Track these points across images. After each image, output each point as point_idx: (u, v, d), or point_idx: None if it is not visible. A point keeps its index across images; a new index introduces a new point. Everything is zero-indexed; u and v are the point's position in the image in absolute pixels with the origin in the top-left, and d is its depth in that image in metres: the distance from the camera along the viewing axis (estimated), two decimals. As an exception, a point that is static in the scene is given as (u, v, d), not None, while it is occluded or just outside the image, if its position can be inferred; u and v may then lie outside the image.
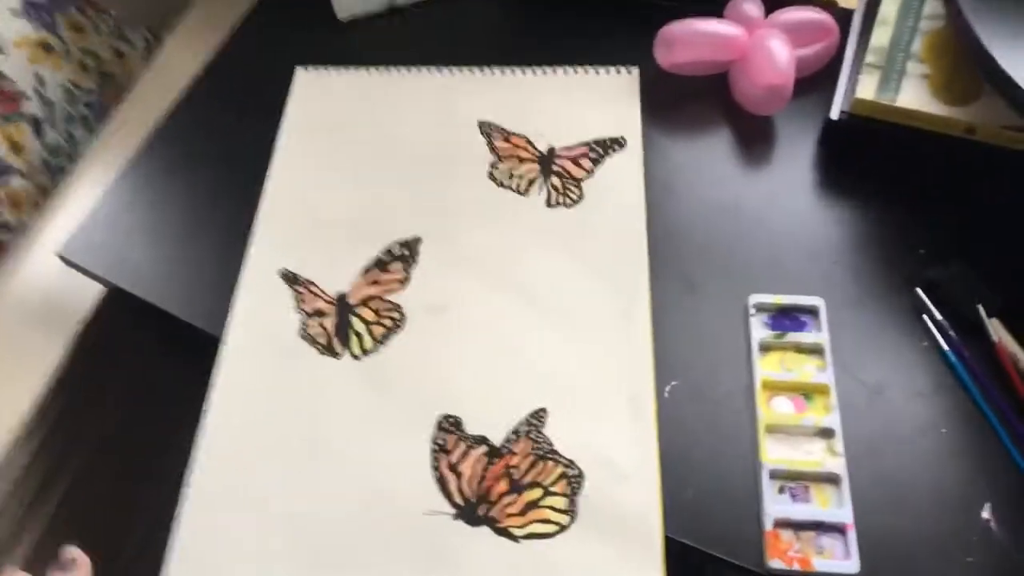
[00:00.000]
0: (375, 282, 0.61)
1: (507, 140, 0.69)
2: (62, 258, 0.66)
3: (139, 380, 0.74)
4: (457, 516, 0.52)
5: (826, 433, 0.53)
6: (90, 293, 0.68)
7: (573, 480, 0.52)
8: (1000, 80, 0.55)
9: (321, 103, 0.72)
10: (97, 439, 0.70)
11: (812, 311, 0.58)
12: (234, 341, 0.59)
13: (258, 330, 0.59)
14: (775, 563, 0.49)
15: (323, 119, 0.71)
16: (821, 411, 0.54)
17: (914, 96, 0.61)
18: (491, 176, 0.66)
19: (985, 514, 0.50)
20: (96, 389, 0.69)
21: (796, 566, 0.49)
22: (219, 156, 0.71)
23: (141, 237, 0.66)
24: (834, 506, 0.51)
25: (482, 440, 0.54)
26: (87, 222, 0.67)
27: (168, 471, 0.79)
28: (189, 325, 0.62)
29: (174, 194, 0.69)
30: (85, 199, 0.72)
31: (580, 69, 0.72)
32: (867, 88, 0.62)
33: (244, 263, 0.62)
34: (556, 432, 0.54)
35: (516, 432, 0.54)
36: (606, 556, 0.50)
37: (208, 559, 0.52)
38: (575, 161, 0.67)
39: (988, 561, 0.49)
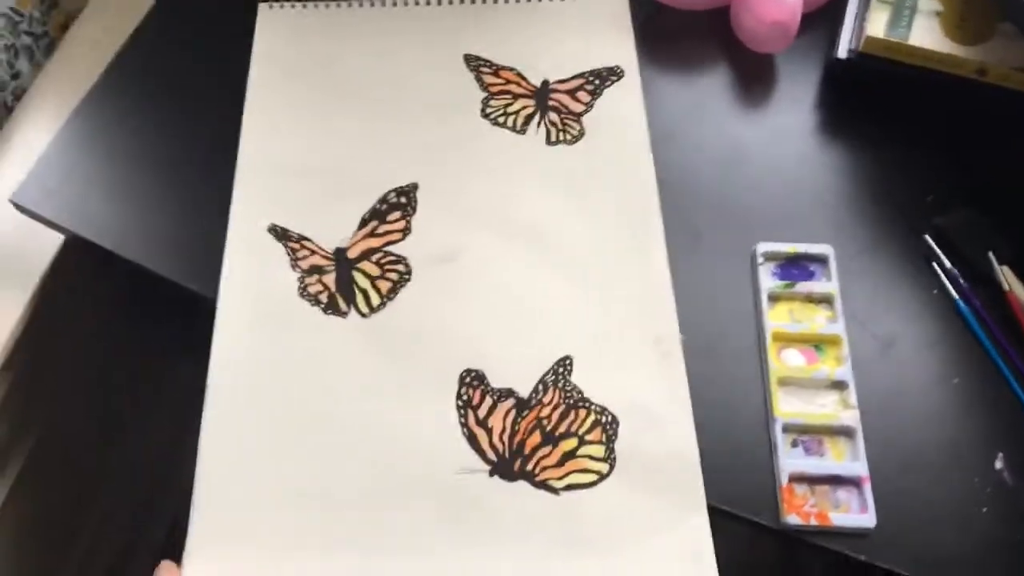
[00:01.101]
0: (374, 233, 0.57)
1: (497, 74, 0.65)
2: (16, 205, 0.60)
3: (104, 333, 0.70)
4: (492, 472, 0.49)
5: (839, 385, 0.52)
6: (46, 242, 0.63)
7: (608, 427, 0.51)
8: (1019, 14, 0.53)
9: (289, 43, 0.66)
10: (61, 394, 0.66)
11: (821, 259, 0.56)
12: (228, 303, 0.55)
13: (253, 291, 0.55)
14: (792, 518, 0.48)
15: (293, 61, 0.65)
16: (833, 363, 0.53)
17: (925, 34, 0.59)
18: (484, 114, 0.62)
19: (998, 464, 0.50)
20: (60, 342, 0.65)
21: (813, 521, 0.48)
22: (182, 93, 0.65)
23: (102, 181, 0.61)
24: (849, 459, 0.50)
25: (509, 393, 0.52)
26: (41, 165, 0.61)
27: (136, 428, 0.76)
28: (156, 276, 0.57)
29: (136, 134, 0.63)
30: (34, 140, 0.66)
31: (567, -4, 0.68)
32: (877, 25, 0.60)
33: (229, 220, 0.57)
34: (584, 380, 0.52)
35: (543, 382, 0.52)
36: (649, 501, 0.48)
37: (229, 537, 0.48)
38: (571, 94, 0.63)
39: (1003, 511, 0.49)
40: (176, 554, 0.46)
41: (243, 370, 0.53)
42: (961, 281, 0.55)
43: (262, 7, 0.68)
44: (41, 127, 0.68)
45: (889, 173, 0.60)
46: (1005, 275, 0.55)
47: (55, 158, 0.62)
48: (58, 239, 0.62)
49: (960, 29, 0.59)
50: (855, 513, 0.49)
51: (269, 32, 0.67)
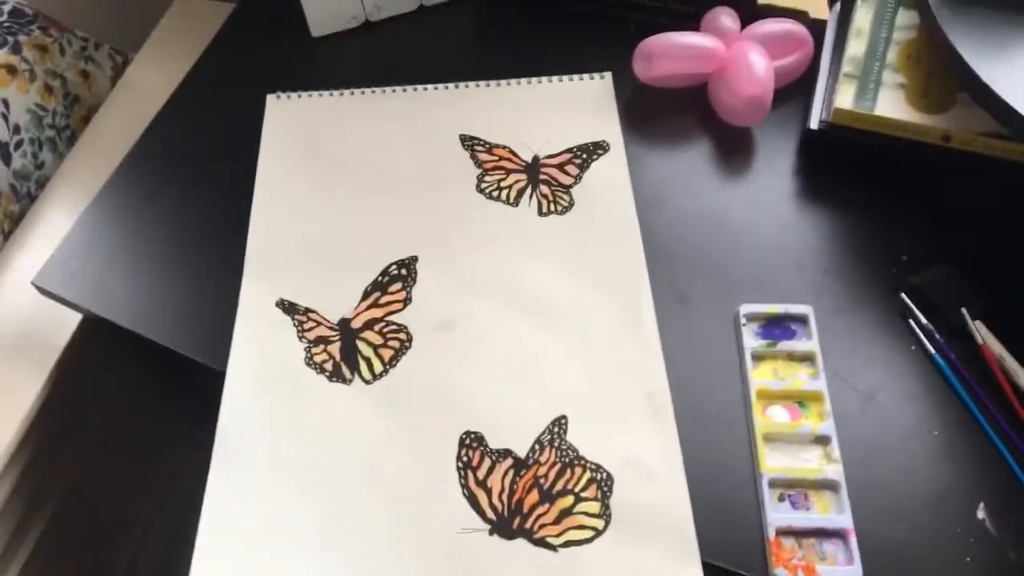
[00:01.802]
0: (376, 304, 0.61)
1: (490, 152, 0.69)
2: (38, 287, 0.64)
3: (120, 410, 0.73)
4: (492, 531, 0.51)
5: (822, 440, 0.54)
6: (66, 323, 0.66)
7: (603, 483, 0.53)
8: (977, 88, 0.56)
9: (296, 129, 0.71)
10: (78, 470, 0.68)
11: (802, 319, 0.59)
12: (237, 374, 0.58)
13: (261, 361, 0.58)
14: (780, 572, 0.49)
15: (300, 145, 0.70)
16: (816, 418, 0.55)
17: (891, 105, 0.63)
18: (479, 189, 0.66)
19: (980, 514, 0.51)
20: (77, 419, 0.68)
21: (801, 574, 0.49)
22: (196, 179, 0.69)
23: (120, 264, 0.64)
24: (834, 512, 0.52)
25: (507, 453, 0.54)
26: (62, 249, 0.65)
27: (148, 503, 0.78)
28: (170, 354, 0.60)
29: (152, 219, 0.67)
30: (56, 226, 0.70)
31: (554, 78, 0.73)
32: (845, 98, 0.64)
33: (240, 296, 0.61)
34: (579, 438, 0.54)
35: (539, 442, 0.54)
36: (645, 555, 0.50)
37: None
38: (561, 168, 0.67)
39: (986, 560, 0.50)
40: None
41: (248, 435, 0.55)
42: (937, 336, 0.57)
43: (270, 97, 0.73)
44: (63, 213, 0.72)
45: (864, 235, 0.63)
46: (979, 329, 0.57)
47: (76, 241, 0.66)
48: (76, 317, 0.65)
49: (924, 99, 0.63)
50: (842, 565, 0.50)
51: (276, 119, 0.71)
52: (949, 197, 0.64)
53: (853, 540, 0.50)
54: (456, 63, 0.75)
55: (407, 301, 0.61)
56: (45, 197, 0.74)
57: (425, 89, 0.73)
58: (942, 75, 0.63)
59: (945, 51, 0.59)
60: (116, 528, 0.74)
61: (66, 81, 0.79)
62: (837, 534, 0.51)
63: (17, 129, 0.74)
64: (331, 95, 0.73)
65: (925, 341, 0.57)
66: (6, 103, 0.72)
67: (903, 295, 0.59)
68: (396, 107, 0.72)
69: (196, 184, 0.69)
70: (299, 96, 0.73)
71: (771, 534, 0.51)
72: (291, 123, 0.71)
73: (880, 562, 0.50)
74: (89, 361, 0.67)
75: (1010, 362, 0.56)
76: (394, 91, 0.73)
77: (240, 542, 0.52)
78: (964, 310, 0.58)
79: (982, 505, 0.52)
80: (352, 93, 0.73)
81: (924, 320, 0.58)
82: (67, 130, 0.79)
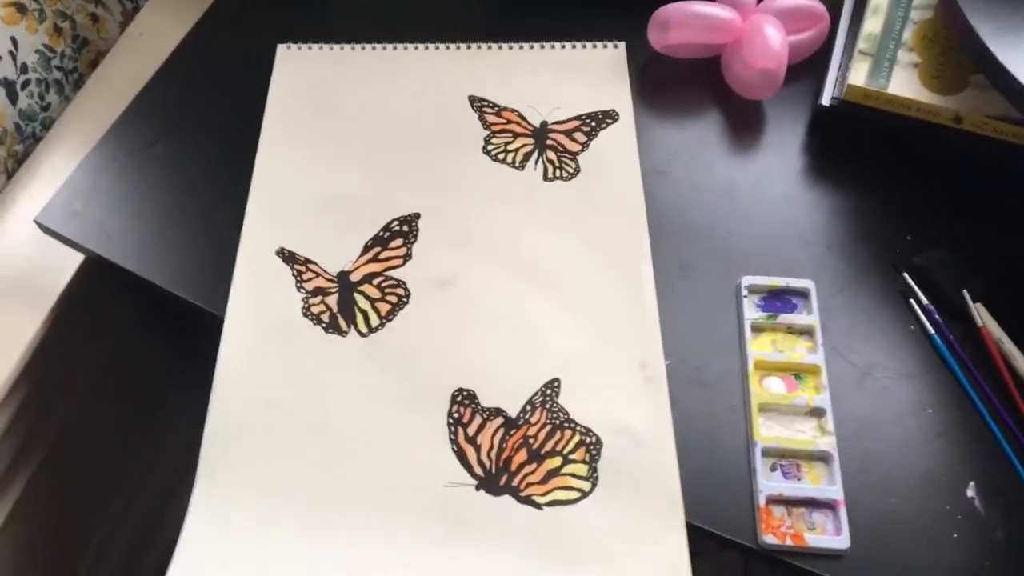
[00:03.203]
0: (376, 259, 0.60)
1: (499, 115, 0.68)
2: (40, 225, 0.63)
3: (119, 352, 0.73)
4: (479, 487, 0.52)
5: (817, 412, 0.54)
6: (67, 264, 0.66)
7: (591, 447, 0.53)
8: (993, 69, 0.56)
9: (305, 81, 0.70)
10: (75, 412, 0.68)
11: (803, 293, 0.59)
12: (235, 321, 0.58)
13: (259, 310, 0.58)
14: (768, 538, 0.50)
15: (308, 97, 0.69)
16: (812, 391, 0.55)
17: (904, 84, 0.62)
18: (485, 151, 0.66)
19: (970, 492, 0.52)
20: (75, 357, 0.67)
21: (789, 541, 0.50)
22: (202, 127, 0.69)
23: (123, 207, 0.64)
24: (825, 483, 0.52)
25: (498, 412, 0.54)
26: (65, 189, 0.65)
27: (146, 446, 0.78)
28: (172, 298, 0.60)
29: (156, 165, 0.67)
30: (60, 168, 0.70)
31: (568, 44, 0.72)
32: (859, 75, 0.63)
33: (240, 243, 0.61)
34: (570, 401, 0.55)
35: (531, 403, 0.54)
36: (629, 519, 0.50)
37: (220, 544, 0.50)
38: (569, 135, 0.67)
39: (973, 537, 0.50)
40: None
41: (245, 382, 0.55)
42: (937, 316, 0.57)
43: (280, 47, 0.72)
44: (67, 155, 0.72)
45: (870, 214, 0.63)
46: (979, 311, 0.57)
47: (80, 183, 0.66)
48: (77, 258, 0.65)
49: (937, 80, 0.62)
50: (830, 535, 0.50)
51: (285, 70, 0.71)
52: (957, 179, 0.64)
53: (843, 511, 0.50)
54: (470, 23, 0.75)
55: (407, 257, 0.61)
56: (50, 139, 0.74)
57: (437, 48, 0.72)
58: (956, 56, 0.63)
59: (963, 31, 0.58)
60: (111, 473, 0.74)
61: (75, 23, 0.78)
62: (827, 505, 0.51)
63: (25, 68, 0.73)
64: (342, 48, 0.72)
65: (925, 321, 0.57)
66: (15, 41, 0.72)
67: (905, 274, 0.59)
68: (407, 64, 0.71)
69: (202, 132, 0.69)
70: (309, 48, 0.72)
71: (762, 502, 0.51)
72: (300, 75, 0.71)
73: (868, 534, 0.50)
74: (89, 303, 0.67)
75: (1008, 345, 0.56)
76: (405, 48, 0.72)
77: (234, 488, 0.52)
78: (965, 292, 0.58)
79: (972, 484, 0.52)
80: (363, 48, 0.72)
81: (925, 300, 0.58)
82: (74, 73, 0.79)
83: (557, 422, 0.54)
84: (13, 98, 0.73)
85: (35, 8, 0.74)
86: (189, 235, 0.63)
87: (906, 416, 0.54)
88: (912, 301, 0.58)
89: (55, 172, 0.70)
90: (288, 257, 0.60)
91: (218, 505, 0.51)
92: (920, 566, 0.49)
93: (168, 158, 0.67)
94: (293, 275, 0.60)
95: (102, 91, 0.77)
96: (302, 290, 0.59)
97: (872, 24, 0.65)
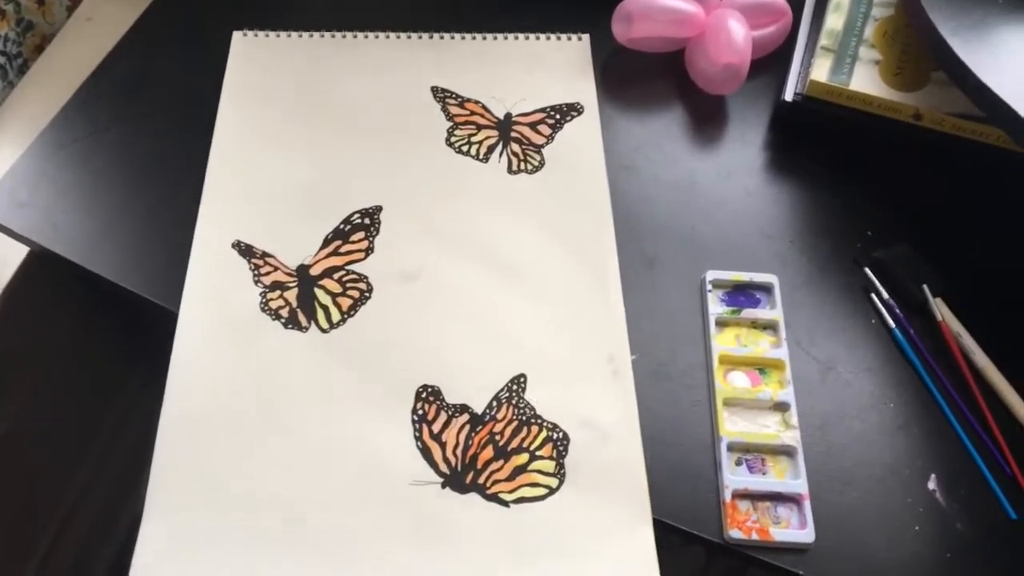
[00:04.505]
0: (336, 252, 0.59)
1: (462, 106, 0.67)
2: (-18, 216, 0.61)
3: (67, 350, 0.70)
4: (445, 484, 0.51)
5: (781, 407, 0.54)
6: (11, 257, 0.63)
7: (559, 443, 0.52)
8: (952, 65, 0.57)
9: (262, 69, 0.68)
10: (20, 412, 0.66)
11: (767, 288, 0.59)
12: (190, 317, 0.56)
13: (215, 305, 0.56)
14: (735, 533, 0.50)
15: (265, 86, 0.67)
16: (776, 385, 0.55)
17: (866, 80, 0.63)
18: (448, 143, 0.65)
19: (931, 485, 0.52)
20: (23, 352, 0.65)
21: (755, 536, 0.50)
22: (154, 114, 0.67)
23: (71, 198, 0.62)
24: (790, 477, 0.52)
25: (463, 408, 0.53)
26: (9, 178, 0.63)
27: (95, 448, 0.76)
28: (123, 292, 0.58)
29: (105, 154, 0.64)
30: (4, 156, 0.67)
31: (532, 36, 0.71)
32: (821, 71, 0.64)
33: (195, 235, 0.59)
34: (537, 397, 0.54)
35: (497, 399, 0.54)
36: (597, 515, 0.50)
37: (179, 547, 0.48)
38: (533, 127, 0.66)
39: (934, 530, 0.51)
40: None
41: (201, 380, 0.53)
42: (897, 311, 0.58)
43: (236, 34, 0.70)
44: (11, 143, 0.69)
45: (831, 209, 0.63)
46: (938, 306, 0.58)
47: (25, 172, 0.63)
48: (22, 251, 0.62)
49: (897, 76, 0.63)
50: (795, 529, 0.50)
51: (241, 57, 0.69)
52: (917, 175, 0.65)
53: (807, 505, 0.51)
54: (433, 13, 0.73)
55: (369, 251, 0.59)
56: (-8, 126, 0.71)
57: (399, 37, 0.71)
58: (916, 53, 0.64)
59: (923, 27, 0.59)
60: (59, 473, 0.71)
61: (20, 6, 0.75)
62: (792, 499, 0.51)
63: (-36, 53, 0.70)
64: (300, 36, 0.70)
65: (886, 315, 0.58)
66: (-46, 24, 0.69)
67: (866, 269, 0.60)
68: (368, 53, 0.70)
69: (154, 119, 0.66)
70: (267, 35, 0.70)
71: (727, 497, 0.51)
72: (257, 62, 0.69)
73: (832, 527, 0.50)
74: (35, 298, 0.64)
75: (967, 340, 0.56)
76: (366, 36, 0.71)
77: (191, 489, 0.50)
78: (926, 287, 0.58)
79: (933, 476, 0.52)
80: (323, 35, 0.71)
81: (886, 295, 0.59)
82: (19, 58, 0.76)
83: (524, 418, 0.53)
84: (-48, 83, 0.70)
85: (-24, -11, 0.70)
86: (140, 226, 0.61)
87: (867, 410, 0.55)
88: (873, 296, 0.59)
89: (-1, 161, 0.68)
90: (245, 250, 0.59)
91: (173, 506, 0.49)
92: (883, 559, 0.50)
93: (118, 146, 0.65)
94: (250, 268, 0.58)
95: (48, 77, 0.74)
96: (260, 284, 0.57)
97: (834, 20, 0.66)
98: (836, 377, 0.56)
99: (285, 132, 0.65)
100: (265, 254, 0.59)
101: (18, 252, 0.62)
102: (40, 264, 0.63)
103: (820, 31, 0.66)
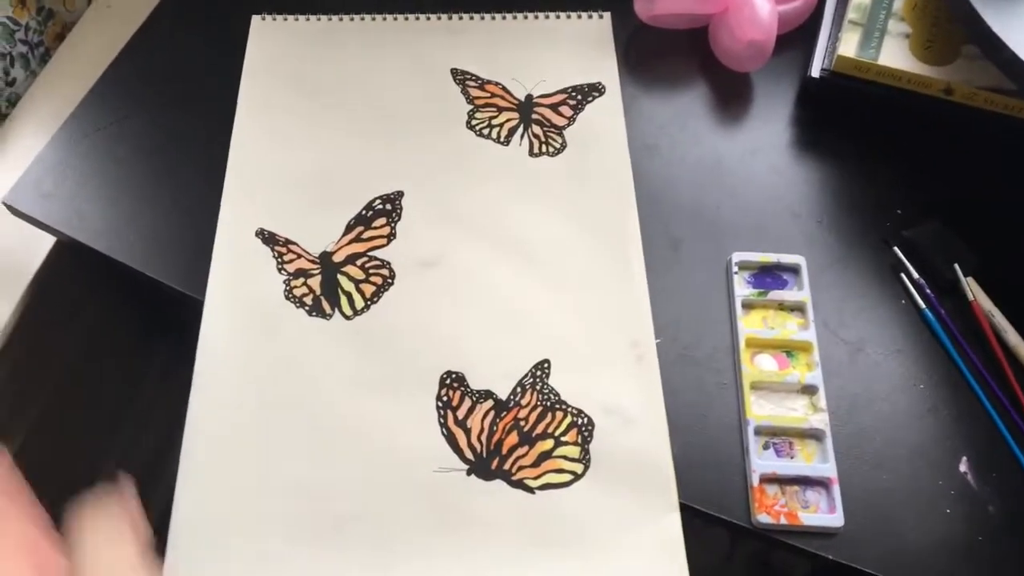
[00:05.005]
0: (359, 238, 0.59)
1: (482, 88, 0.67)
2: (9, 207, 0.61)
3: (95, 338, 0.71)
4: (470, 471, 0.51)
5: (809, 390, 0.54)
6: (39, 247, 0.64)
7: (583, 428, 0.52)
8: (985, 38, 0.55)
9: (281, 53, 0.68)
10: (50, 400, 0.66)
11: (794, 269, 0.58)
12: (215, 305, 0.56)
13: (240, 293, 0.56)
14: (763, 517, 0.49)
15: (284, 71, 0.67)
16: (804, 368, 0.55)
17: (895, 55, 0.62)
18: (469, 126, 0.64)
19: (962, 467, 0.52)
20: (50, 343, 0.66)
21: (783, 520, 0.49)
22: (176, 102, 0.67)
23: (95, 187, 0.62)
24: (818, 461, 0.52)
25: (488, 394, 0.53)
26: (34, 168, 0.63)
27: (127, 428, 0.77)
28: (147, 282, 0.58)
29: (128, 142, 0.65)
30: (28, 146, 0.67)
31: (552, 15, 0.70)
32: (849, 45, 0.62)
33: (218, 223, 0.59)
34: (561, 382, 0.54)
35: (521, 385, 0.53)
36: (622, 500, 0.50)
37: (209, 535, 0.49)
38: (554, 109, 0.65)
39: (965, 513, 0.50)
40: (165, 543, 0.47)
41: (228, 369, 0.54)
42: (927, 291, 0.57)
43: (255, 18, 0.70)
44: (35, 132, 0.69)
45: (860, 187, 0.62)
46: (970, 286, 0.57)
47: (49, 161, 0.63)
48: (49, 241, 0.63)
49: (927, 50, 0.62)
50: (824, 513, 0.50)
51: (261, 42, 0.68)
52: (947, 152, 0.63)
53: (836, 489, 0.50)
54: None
55: (391, 237, 0.59)
56: (16, 115, 0.71)
57: (417, 19, 0.70)
58: (947, 26, 0.62)
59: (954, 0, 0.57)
60: (87, 463, 0.72)
61: (40, -5, 0.75)
62: (820, 483, 0.51)
63: (-13, 42, 0.70)
64: (319, 19, 0.70)
65: (916, 295, 0.57)
66: (-25, 14, 0.69)
67: (895, 248, 0.59)
68: (386, 36, 0.69)
69: (175, 107, 0.66)
70: (285, 19, 0.70)
71: (755, 481, 0.50)
72: (276, 47, 0.68)
73: (862, 511, 0.50)
74: (63, 287, 0.65)
75: (999, 319, 0.55)
76: (384, 19, 0.70)
77: (219, 477, 0.50)
78: (956, 266, 0.57)
79: (964, 459, 0.52)
80: (341, 19, 0.70)
81: (915, 274, 0.58)
82: (40, 47, 0.76)
83: (548, 404, 0.53)
84: (-24, 73, 0.70)
85: (-4, -21, 0.71)
86: (165, 215, 0.61)
87: (897, 392, 0.54)
88: (903, 275, 0.58)
89: (23, 150, 0.68)
90: (268, 238, 0.59)
91: (202, 494, 0.50)
92: (913, 542, 0.49)
93: (140, 134, 0.65)
94: (274, 256, 0.58)
95: (70, 65, 0.74)
96: (283, 272, 0.58)
97: (862, -7, 0.64)
98: (865, 359, 0.55)
99: (304, 117, 0.65)
100: (288, 241, 0.59)
101: (46, 241, 0.63)
102: (68, 253, 0.63)
103: (848, 4, 0.64)
